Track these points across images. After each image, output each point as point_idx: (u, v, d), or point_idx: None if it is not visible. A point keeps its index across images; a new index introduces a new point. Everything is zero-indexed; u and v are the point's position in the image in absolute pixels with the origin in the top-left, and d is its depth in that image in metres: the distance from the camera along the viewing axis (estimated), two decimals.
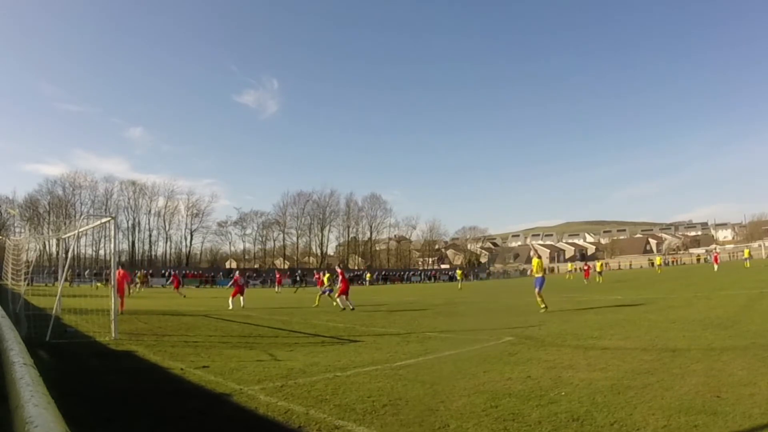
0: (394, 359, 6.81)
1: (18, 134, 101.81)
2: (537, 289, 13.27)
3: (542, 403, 4.31)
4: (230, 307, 17.40)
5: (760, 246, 75.16)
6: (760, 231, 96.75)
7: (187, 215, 73.97)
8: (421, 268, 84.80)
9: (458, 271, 43.80)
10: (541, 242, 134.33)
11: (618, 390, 4.62)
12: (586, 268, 37.35)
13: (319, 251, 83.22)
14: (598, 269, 36.37)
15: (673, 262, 78.02)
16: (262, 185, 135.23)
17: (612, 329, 9.08)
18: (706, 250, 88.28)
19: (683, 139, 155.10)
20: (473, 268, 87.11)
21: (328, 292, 18.63)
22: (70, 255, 13.07)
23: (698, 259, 79.59)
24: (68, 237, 14.61)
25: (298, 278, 53.71)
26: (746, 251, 43.93)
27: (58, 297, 10.62)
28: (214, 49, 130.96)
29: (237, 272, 21.54)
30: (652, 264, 75.61)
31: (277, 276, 41.05)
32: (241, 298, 18.52)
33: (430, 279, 73.01)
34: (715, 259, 40.91)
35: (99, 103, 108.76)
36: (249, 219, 78.44)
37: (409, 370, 6.02)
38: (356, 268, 75.55)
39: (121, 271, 15.68)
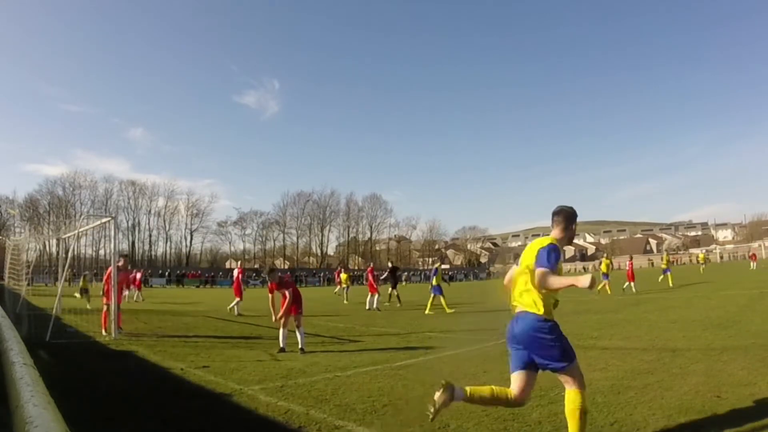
0: (394, 359, 6.80)
1: (18, 134, 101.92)
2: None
3: (542, 403, 4.31)
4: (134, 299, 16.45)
5: (760, 246, 75.15)
6: (760, 231, 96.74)
7: (187, 215, 74.11)
8: (421, 268, 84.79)
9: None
10: None
11: (618, 390, 4.62)
12: None
13: (319, 251, 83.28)
14: (603, 269, 34.38)
15: (674, 262, 77.88)
16: (262, 185, 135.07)
17: (612, 329, 9.08)
18: (707, 250, 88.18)
19: (683, 139, 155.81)
20: (473, 268, 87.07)
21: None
22: (70, 255, 13.06)
23: (698, 260, 79.36)
24: (68, 237, 14.61)
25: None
26: None
27: (58, 297, 10.62)
28: (215, 50, 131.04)
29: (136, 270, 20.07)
30: (651, 264, 75.46)
31: (336, 273, 32.97)
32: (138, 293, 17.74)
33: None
34: (753, 258, 40.66)
35: (100, 103, 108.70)
36: (249, 219, 78.58)
37: (409, 370, 6.02)
38: (356, 267, 75.59)
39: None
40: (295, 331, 7.81)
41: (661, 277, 22.74)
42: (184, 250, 75.08)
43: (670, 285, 21.13)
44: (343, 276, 23.20)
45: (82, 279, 19.84)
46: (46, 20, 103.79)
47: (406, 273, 67.91)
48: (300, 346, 7.60)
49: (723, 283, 21.39)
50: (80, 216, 53.33)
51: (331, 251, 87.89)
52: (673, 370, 5.38)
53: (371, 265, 20.12)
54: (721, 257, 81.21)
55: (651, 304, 14.14)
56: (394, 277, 18.13)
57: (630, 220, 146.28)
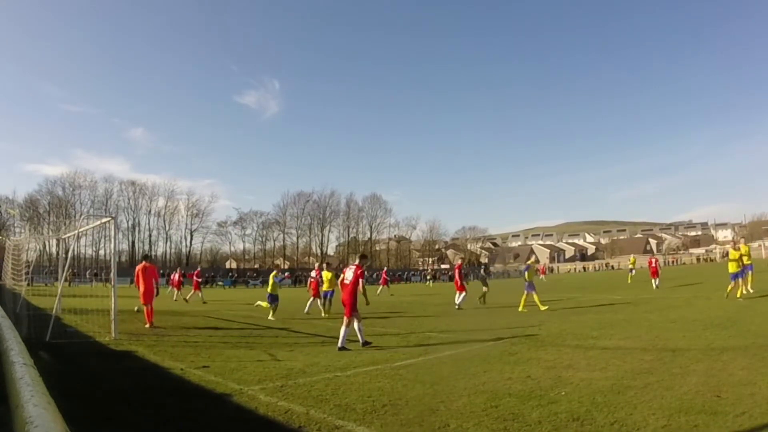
0: (394, 359, 6.81)
1: (18, 134, 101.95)
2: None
3: (542, 403, 4.31)
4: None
5: (760, 246, 75.02)
6: (760, 231, 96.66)
7: (187, 215, 73.98)
8: (421, 268, 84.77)
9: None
10: (541, 242, 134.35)
11: (618, 390, 4.62)
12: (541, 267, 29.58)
13: (319, 251, 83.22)
14: (631, 264, 32.46)
15: (673, 262, 77.96)
16: (263, 185, 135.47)
17: (612, 329, 9.08)
18: (706, 250, 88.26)
19: (683, 139, 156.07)
20: (473, 268, 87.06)
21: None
22: (70, 255, 13.06)
23: (698, 260, 79.51)
24: (68, 237, 14.60)
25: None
26: None
27: (58, 297, 10.61)
28: (215, 50, 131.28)
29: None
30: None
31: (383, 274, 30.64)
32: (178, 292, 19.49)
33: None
34: None
35: (100, 103, 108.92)
36: (249, 219, 78.46)
37: (409, 370, 6.02)
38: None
39: (147, 265, 11.67)
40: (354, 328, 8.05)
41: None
42: (184, 250, 75.06)
43: (749, 290, 14.49)
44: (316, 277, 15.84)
45: (270, 283, 14.26)
46: (46, 20, 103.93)
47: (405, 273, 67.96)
48: (362, 342, 7.93)
49: (723, 283, 21.32)
50: (80, 216, 53.30)
51: (331, 251, 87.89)
52: (673, 370, 5.37)
53: (459, 262, 19.50)
54: (723, 256, 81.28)
55: (651, 304, 14.13)
56: (486, 276, 17.86)
57: (630, 220, 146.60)
